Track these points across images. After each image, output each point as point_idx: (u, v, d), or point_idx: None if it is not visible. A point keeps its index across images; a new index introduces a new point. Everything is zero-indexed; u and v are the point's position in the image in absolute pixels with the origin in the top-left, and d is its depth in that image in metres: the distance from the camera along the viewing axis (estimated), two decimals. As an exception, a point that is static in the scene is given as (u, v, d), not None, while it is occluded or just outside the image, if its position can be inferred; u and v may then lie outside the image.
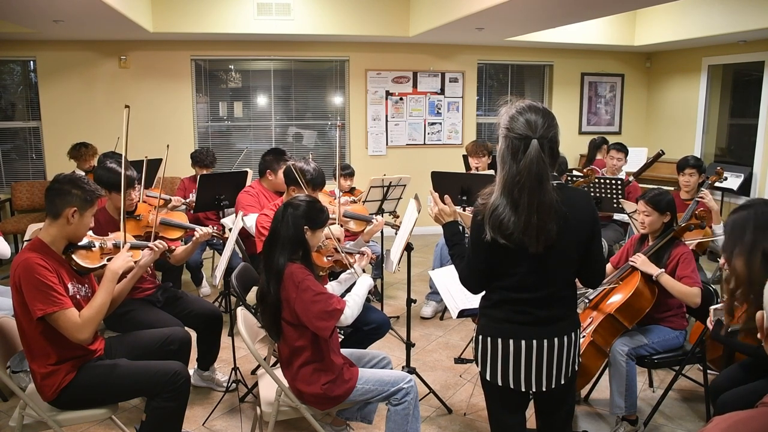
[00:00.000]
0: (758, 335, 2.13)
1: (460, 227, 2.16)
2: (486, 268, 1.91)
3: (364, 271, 2.74)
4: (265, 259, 2.38)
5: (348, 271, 2.74)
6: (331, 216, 2.74)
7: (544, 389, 1.95)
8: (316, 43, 6.84)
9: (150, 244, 2.77)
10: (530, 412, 2.11)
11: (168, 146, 3.54)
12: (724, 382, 2.47)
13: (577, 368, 2.01)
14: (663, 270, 2.80)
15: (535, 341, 1.90)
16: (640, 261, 2.87)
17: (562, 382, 1.96)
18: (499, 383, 1.96)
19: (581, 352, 2.13)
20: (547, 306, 1.90)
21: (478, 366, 2.01)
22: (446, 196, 2.17)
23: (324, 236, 2.65)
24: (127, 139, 2.57)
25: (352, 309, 2.34)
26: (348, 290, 2.55)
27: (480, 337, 1.98)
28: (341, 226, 3.30)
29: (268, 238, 2.40)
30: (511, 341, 1.91)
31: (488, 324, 1.97)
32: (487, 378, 1.98)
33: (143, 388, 2.36)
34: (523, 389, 1.95)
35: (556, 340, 1.91)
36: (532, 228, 1.75)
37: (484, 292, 2.01)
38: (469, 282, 1.99)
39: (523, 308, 1.90)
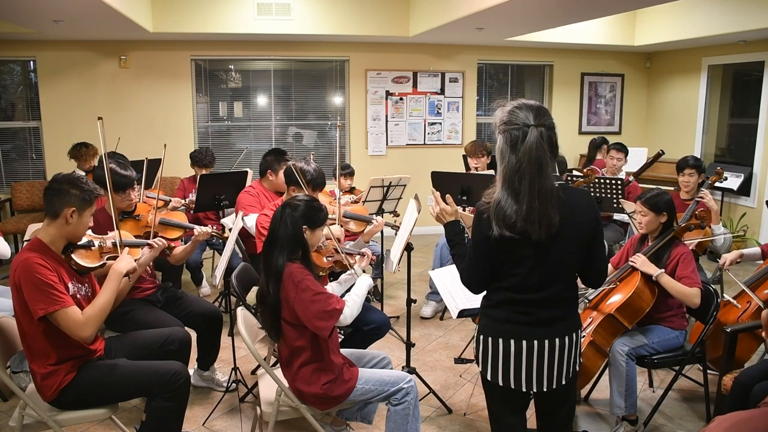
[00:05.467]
0: (763, 333, 2.13)
1: (461, 227, 2.16)
2: (487, 269, 1.91)
3: (364, 271, 2.74)
4: (264, 259, 2.38)
5: (348, 272, 2.73)
6: (330, 216, 2.74)
7: (545, 390, 1.95)
8: (316, 43, 6.84)
9: (149, 241, 2.78)
10: (530, 413, 2.12)
11: (165, 146, 3.54)
12: (754, 374, 2.45)
13: (578, 369, 2.01)
14: (663, 270, 2.80)
15: (536, 342, 1.90)
16: (640, 261, 2.87)
17: (563, 382, 1.96)
18: (500, 383, 1.96)
19: (581, 352, 2.13)
20: (549, 307, 1.90)
21: (479, 366, 2.01)
22: (447, 195, 2.17)
23: (324, 236, 2.65)
24: (105, 149, 2.54)
25: (351, 309, 2.33)
26: (348, 291, 2.55)
27: (481, 337, 1.98)
28: (341, 226, 3.30)
29: (268, 239, 2.39)
30: (512, 341, 1.91)
31: (489, 324, 1.96)
32: (488, 378, 1.98)
33: (143, 388, 2.36)
34: (524, 389, 1.95)
35: (557, 340, 1.91)
36: (533, 214, 1.75)
37: (485, 293, 2.01)
38: (471, 282, 1.98)
39: (524, 309, 1.90)
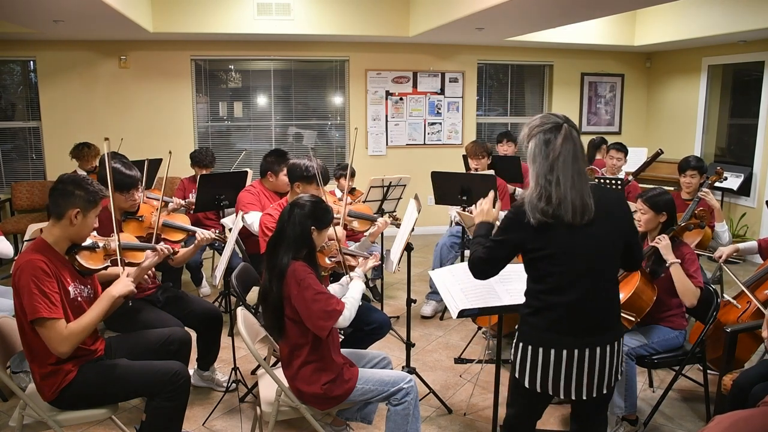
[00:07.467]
0: (763, 333, 2.14)
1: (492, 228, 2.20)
2: (504, 260, 1.98)
3: (365, 274, 2.74)
4: (268, 257, 2.38)
5: (351, 273, 2.74)
6: (335, 216, 2.73)
7: (584, 398, 1.95)
8: (316, 43, 6.84)
9: (154, 245, 2.77)
10: (548, 412, 2.12)
11: (170, 153, 3.59)
12: (753, 376, 2.46)
13: (620, 377, 2.01)
14: (678, 261, 2.80)
15: (576, 350, 1.89)
16: (663, 243, 2.86)
17: (605, 391, 1.96)
18: (539, 390, 1.96)
19: (623, 360, 2.13)
20: (590, 315, 1.90)
21: (515, 374, 2.01)
22: (499, 201, 2.27)
23: (328, 237, 2.65)
24: (110, 164, 2.49)
25: (350, 311, 2.35)
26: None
27: (521, 344, 1.97)
28: (346, 225, 3.30)
29: (273, 238, 2.39)
30: (552, 351, 1.90)
31: (530, 332, 1.96)
32: (526, 386, 1.97)
33: (143, 388, 2.36)
34: (562, 396, 1.95)
35: (598, 349, 1.90)
36: (567, 198, 1.81)
37: (524, 299, 2.00)
38: (479, 267, 2.01)
39: (566, 315, 1.89)
